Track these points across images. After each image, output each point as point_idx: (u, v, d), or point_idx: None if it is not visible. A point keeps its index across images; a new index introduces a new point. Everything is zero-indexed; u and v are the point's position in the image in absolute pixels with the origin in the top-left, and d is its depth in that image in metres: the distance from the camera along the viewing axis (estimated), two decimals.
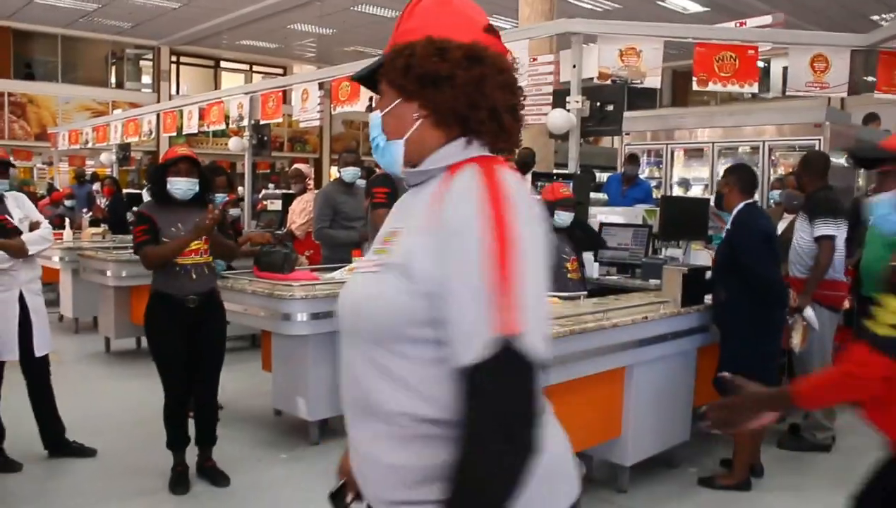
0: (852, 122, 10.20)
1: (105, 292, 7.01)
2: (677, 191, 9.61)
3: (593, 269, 5.17)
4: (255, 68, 22.27)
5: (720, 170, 8.19)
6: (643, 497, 4.14)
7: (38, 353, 4.47)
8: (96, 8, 16.68)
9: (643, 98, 21.32)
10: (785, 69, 7.44)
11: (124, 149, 11.46)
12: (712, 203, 5.29)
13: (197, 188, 4.13)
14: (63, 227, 8.47)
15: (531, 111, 6.65)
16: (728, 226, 4.31)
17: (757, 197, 8.13)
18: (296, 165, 7.53)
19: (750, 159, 9.63)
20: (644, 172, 9.77)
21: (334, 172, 6.27)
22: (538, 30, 5.34)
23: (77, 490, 4.22)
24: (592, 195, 8.39)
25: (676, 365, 4.34)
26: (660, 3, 15.44)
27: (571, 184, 5.24)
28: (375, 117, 1.44)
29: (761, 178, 9.19)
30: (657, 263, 4.99)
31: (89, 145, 12.62)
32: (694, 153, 9.80)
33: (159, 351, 4.20)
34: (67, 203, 11.19)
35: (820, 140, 8.63)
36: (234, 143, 8.45)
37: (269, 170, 18.25)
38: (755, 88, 5.55)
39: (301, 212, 7.25)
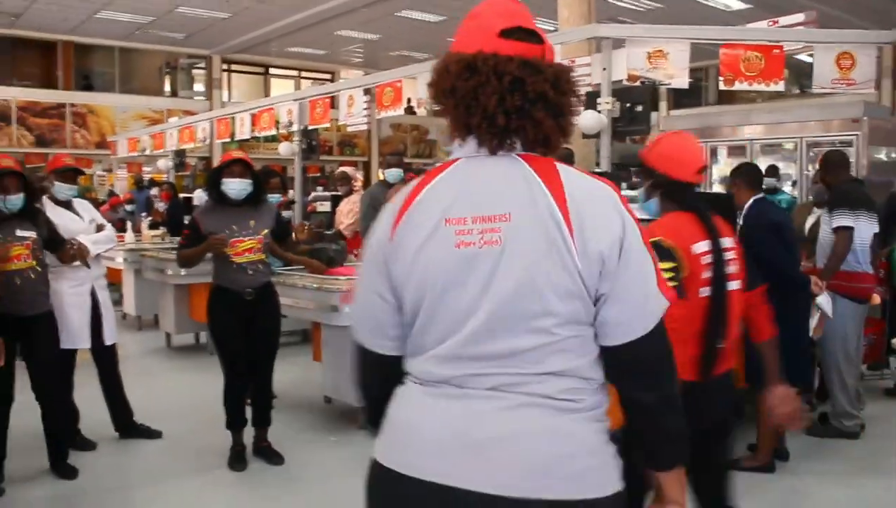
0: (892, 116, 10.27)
1: (165, 290, 7.44)
2: (718, 189, 9.75)
3: None
4: (303, 74, 22.81)
5: (762, 167, 8.34)
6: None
7: (108, 342, 4.87)
8: (151, 20, 17.34)
9: (689, 97, 21.40)
10: None
11: (180, 155, 11.98)
12: None
13: (250, 189, 4.49)
14: (124, 231, 8.96)
15: None
16: (740, 221, 4.51)
17: (789, 191, 8.27)
18: (342, 168, 7.90)
19: (790, 155, 9.77)
20: None
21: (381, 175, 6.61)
22: (568, 35, 5.60)
23: (145, 466, 4.61)
24: (629, 193, 8.61)
25: None
26: (702, 1, 15.50)
27: None
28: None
29: (800, 174, 9.33)
30: None
31: (146, 152, 13.19)
32: (735, 151, 9.95)
33: (219, 339, 4.57)
34: (128, 207, 11.77)
35: (858, 135, 8.74)
36: (284, 148, 8.85)
37: (318, 174, 18.72)
38: (781, 87, 5.73)
39: (348, 213, 7.60)
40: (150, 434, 5.02)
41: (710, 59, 13.46)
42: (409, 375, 1.51)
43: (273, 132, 9.32)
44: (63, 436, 4.51)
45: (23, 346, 4.22)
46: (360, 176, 8.92)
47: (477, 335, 1.40)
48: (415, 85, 7.27)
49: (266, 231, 4.52)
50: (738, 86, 5.76)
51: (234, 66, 22.02)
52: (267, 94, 20.37)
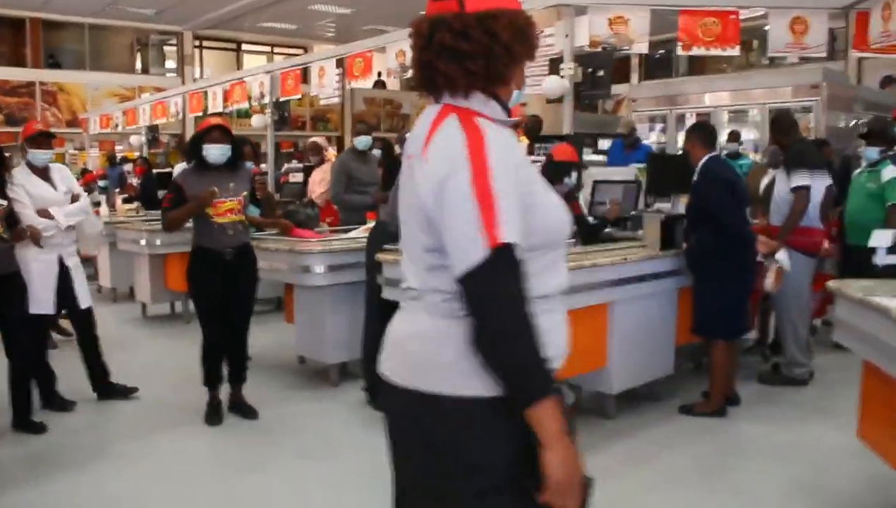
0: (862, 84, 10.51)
1: (140, 260, 7.55)
2: None
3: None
4: (276, 50, 22.73)
5: (724, 134, 8.55)
6: (628, 423, 4.60)
7: (83, 305, 4.99)
8: None
9: (660, 69, 21.49)
10: None
11: (153, 130, 12.01)
12: None
13: (229, 153, 4.63)
14: (98, 205, 9.02)
15: (536, 81, 7.08)
16: (695, 177, 4.71)
17: (753, 157, 8.46)
18: (313, 139, 8.00)
19: (755, 123, 9.99)
20: (650, 138, 10.15)
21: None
22: (532, 2, 5.73)
23: (124, 423, 4.77)
24: (593, 157, 8.86)
25: (657, 304, 4.77)
26: None
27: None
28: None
29: (763, 141, 9.55)
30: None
31: (119, 129, 13.19)
32: (702, 118, 10.14)
33: (200, 298, 4.72)
34: (101, 183, 11.80)
35: (818, 100, 8.95)
36: (256, 120, 8.95)
37: (292, 149, 18.74)
38: (736, 51, 5.91)
39: (320, 182, 7.72)
40: (127, 392, 5.17)
41: (664, 33, 13.68)
42: None
43: (245, 105, 9.41)
44: (25, 395, 4.62)
45: None
46: (332, 151, 8.95)
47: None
48: (385, 57, 7.39)
49: (245, 193, 4.67)
50: (696, 51, 5.95)
51: (205, 43, 21.90)
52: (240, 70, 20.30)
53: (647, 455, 4.16)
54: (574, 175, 5.09)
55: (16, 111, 18.45)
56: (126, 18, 19.41)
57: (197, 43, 21.48)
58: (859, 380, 3.41)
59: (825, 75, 8.95)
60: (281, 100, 8.84)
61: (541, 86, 6.24)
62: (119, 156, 14.34)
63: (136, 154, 12.92)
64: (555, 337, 1.64)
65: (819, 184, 5.27)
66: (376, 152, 6.78)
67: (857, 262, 5.48)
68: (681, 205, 5.75)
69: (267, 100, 8.83)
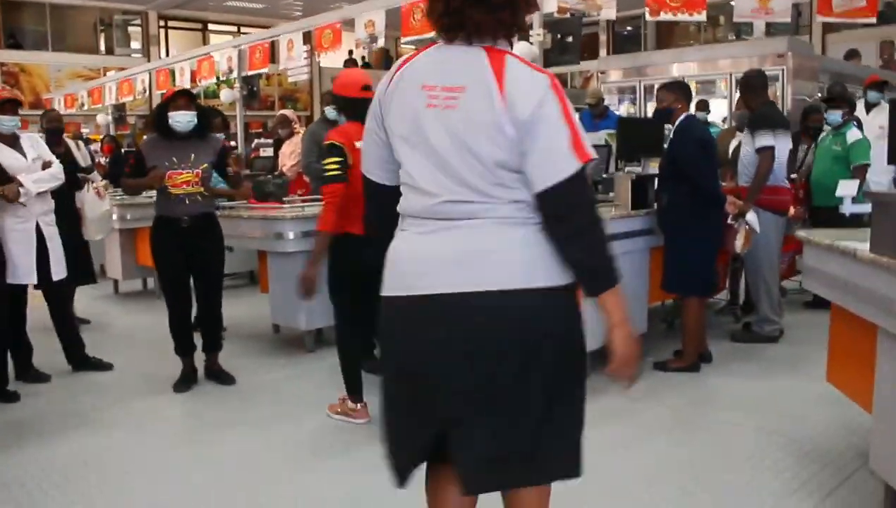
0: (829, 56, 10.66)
1: (111, 237, 7.46)
2: None
3: None
4: (242, 30, 22.48)
5: (692, 104, 8.63)
6: (602, 380, 4.63)
7: (56, 278, 4.90)
8: None
9: (630, 43, 21.63)
10: None
11: (120, 109, 11.86)
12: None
13: (196, 120, 4.58)
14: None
15: None
16: (670, 136, 4.76)
17: (721, 126, 8.57)
18: (281, 112, 7.94)
19: (722, 94, 10.11)
20: (620, 109, 10.23)
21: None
22: None
23: (99, 393, 4.73)
24: None
25: (629, 263, 4.80)
26: None
27: None
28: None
29: (730, 107, 9.67)
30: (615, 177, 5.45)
31: (85, 109, 13.00)
32: None
33: (159, 265, 4.72)
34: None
35: (783, 69, 9.08)
36: (225, 95, 8.87)
37: (261, 130, 18.59)
38: (703, 17, 5.96)
39: (291, 155, 7.68)
40: (102, 366, 5.14)
41: (633, 8, 13.77)
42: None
43: (213, 81, 9.32)
44: (1, 366, 4.62)
45: None
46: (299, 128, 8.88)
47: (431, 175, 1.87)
48: (353, 36, 7.34)
49: (206, 165, 4.61)
50: (664, 16, 5.99)
51: (171, 23, 21.61)
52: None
53: (621, 408, 4.22)
54: None
55: None
56: None
57: (162, 23, 21.20)
58: (826, 339, 3.50)
59: (791, 45, 9.07)
60: (249, 74, 8.77)
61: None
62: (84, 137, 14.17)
63: (103, 134, 12.75)
64: None
65: (783, 144, 5.35)
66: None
67: (824, 223, 5.61)
68: (650, 168, 5.82)
69: (235, 74, 8.75)
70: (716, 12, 17.53)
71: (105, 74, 18.35)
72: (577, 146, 1.80)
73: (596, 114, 8.77)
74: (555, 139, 1.80)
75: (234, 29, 22.53)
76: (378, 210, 2.04)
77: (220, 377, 4.79)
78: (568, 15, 5.96)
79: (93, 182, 5.83)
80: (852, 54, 11.35)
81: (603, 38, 21.29)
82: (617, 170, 6.00)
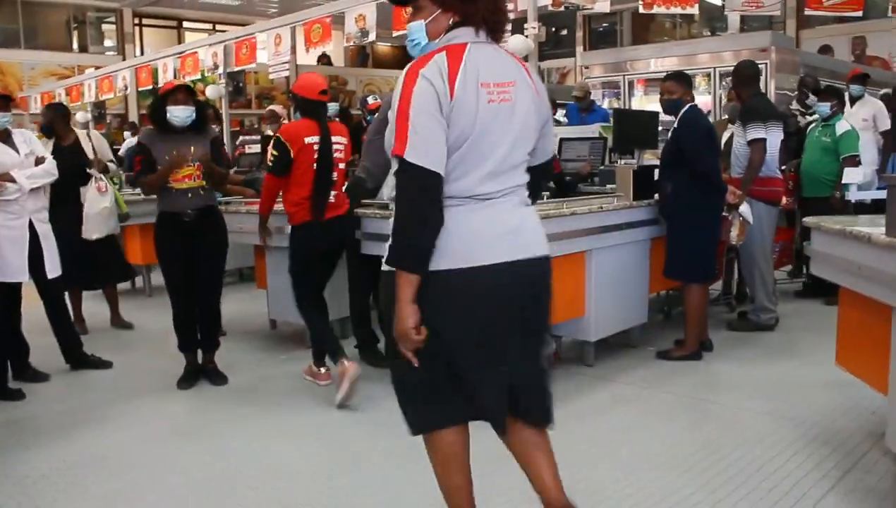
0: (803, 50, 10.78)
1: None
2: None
3: None
4: (218, 27, 22.27)
5: None
6: (607, 369, 4.70)
7: (51, 276, 4.82)
8: None
9: (604, 39, 21.72)
10: None
11: (99, 107, 11.71)
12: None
13: (194, 115, 4.54)
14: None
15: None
16: (675, 125, 4.79)
17: (711, 117, 8.64)
18: (270, 107, 7.91)
19: (706, 89, 10.19)
20: (603, 104, 10.27)
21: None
22: None
23: (98, 392, 4.69)
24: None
25: (631, 253, 4.87)
26: None
27: None
28: (418, 24, 2.19)
29: (714, 102, 9.76)
30: (612, 169, 5.49)
31: None
32: (652, 83, 10.28)
33: (164, 261, 4.65)
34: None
35: (767, 63, 9.15)
36: (211, 91, 8.74)
37: (237, 128, 18.45)
38: (696, 10, 6.00)
39: None
40: (101, 364, 5.08)
41: (624, 2, 13.85)
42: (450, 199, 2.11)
43: (198, 77, 9.22)
44: (2, 364, 4.55)
45: None
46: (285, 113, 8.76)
47: (500, 162, 2.13)
48: (343, 24, 7.31)
49: (205, 153, 4.57)
50: (657, 9, 6.05)
51: (145, 21, 21.35)
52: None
53: (629, 396, 4.26)
54: None
55: None
56: None
57: (137, 20, 20.93)
58: (821, 326, 3.56)
59: (773, 39, 9.15)
60: (235, 70, 8.70)
61: (505, 44, 6.30)
62: None
63: (83, 131, 12.56)
64: None
65: (774, 135, 5.40)
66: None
67: (814, 212, 5.67)
68: (645, 159, 5.87)
69: (221, 70, 8.68)
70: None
71: (79, 72, 18.10)
72: None
73: (583, 108, 8.84)
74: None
75: (210, 26, 22.31)
76: (438, 201, 2.08)
77: (214, 377, 4.74)
78: (562, 8, 5.97)
79: (96, 177, 5.67)
80: (825, 49, 11.53)
81: (579, 34, 21.37)
82: (611, 163, 6.05)
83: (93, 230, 5.63)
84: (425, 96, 2.04)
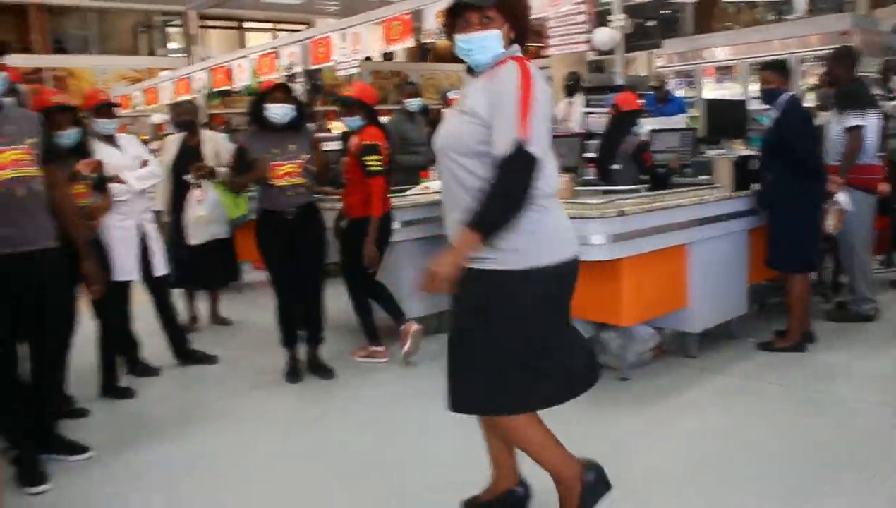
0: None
1: None
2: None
3: None
4: (278, 27, 22.59)
5: (751, 86, 8.58)
6: (711, 361, 4.67)
7: (158, 274, 4.98)
8: None
9: (668, 28, 21.63)
10: None
11: (174, 108, 11.97)
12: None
13: (292, 113, 4.64)
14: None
15: (567, 40, 7.09)
16: (777, 114, 4.72)
17: None
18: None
19: None
20: (677, 93, 10.17)
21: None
22: None
23: (207, 386, 4.84)
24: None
25: (731, 244, 4.83)
26: None
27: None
28: (496, 34, 2.41)
29: (795, 90, 9.60)
30: (706, 160, 5.45)
31: (140, 108, 13.16)
32: (724, 71, 10.16)
33: (266, 258, 4.76)
34: None
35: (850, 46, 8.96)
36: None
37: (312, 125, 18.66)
38: None
39: None
40: (208, 359, 5.22)
41: None
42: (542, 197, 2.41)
43: (273, 76, 9.38)
44: (112, 361, 4.70)
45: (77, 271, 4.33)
46: None
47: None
48: (421, 18, 7.36)
49: (306, 155, 4.67)
50: None
51: (208, 22, 21.75)
52: (243, 48, 20.17)
53: (737, 387, 4.24)
54: (639, 124, 5.14)
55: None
56: (129, 0, 19.30)
57: (201, 22, 21.33)
58: None
59: (854, 21, 8.96)
60: (312, 68, 8.84)
61: (581, 46, 6.31)
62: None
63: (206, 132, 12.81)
64: None
65: (872, 122, 5.30)
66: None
67: None
68: (734, 150, 5.81)
69: (299, 69, 8.82)
70: None
71: (150, 75, 18.53)
72: None
73: (659, 98, 8.77)
74: None
75: (270, 26, 22.63)
76: (532, 189, 2.35)
77: (321, 371, 4.83)
78: None
79: (193, 184, 5.66)
80: None
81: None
82: (699, 154, 6.01)
83: (192, 236, 5.70)
84: (545, 95, 2.38)
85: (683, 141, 5.81)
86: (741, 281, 4.96)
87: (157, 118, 12.81)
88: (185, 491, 3.33)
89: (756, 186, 4.91)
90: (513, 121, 2.27)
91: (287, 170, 4.59)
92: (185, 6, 20.03)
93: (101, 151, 4.74)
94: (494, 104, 2.33)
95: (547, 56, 7.80)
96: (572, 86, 8.14)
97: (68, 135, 4.23)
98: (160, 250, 5.04)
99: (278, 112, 4.57)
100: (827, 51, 9.05)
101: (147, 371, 4.99)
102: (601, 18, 5.89)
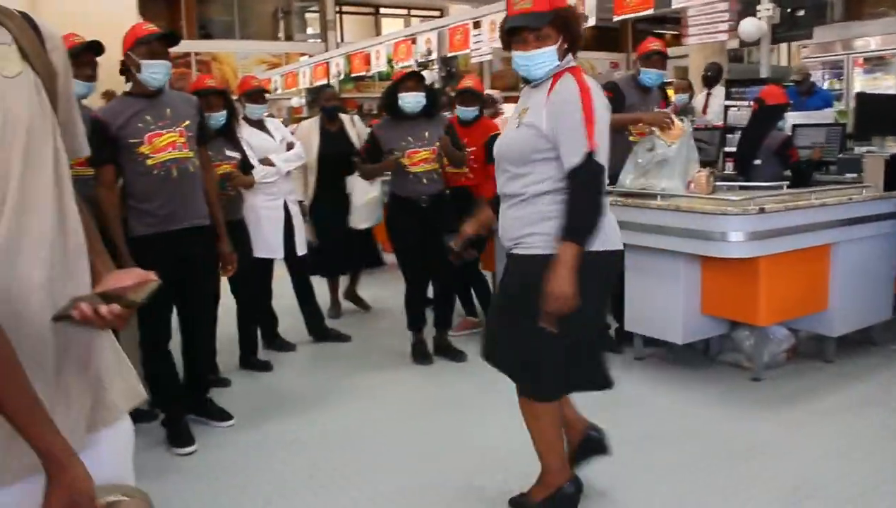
0: None
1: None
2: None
3: None
4: (412, 13, 22.90)
5: None
6: (850, 367, 4.49)
7: (300, 253, 5.21)
8: None
9: (815, 16, 20.54)
10: None
11: (313, 92, 12.37)
12: None
13: (424, 101, 4.73)
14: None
15: (708, 29, 6.89)
16: None
17: None
18: (488, 91, 8.05)
19: None
20: (823, 85, 9.73)
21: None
22: None
23: (338, 363, 5.01)
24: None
25: (879, 247, 4.61)
26: None
27: None
28: (552, 50, 2.59)
29: None
30: (853, 158, 5.21)
31: (278, 92, 13.67)
32: (877, 62, 9.64)
33: (398, 244, 4.89)
34: None
35: None
36: (426, 76, 9.05)
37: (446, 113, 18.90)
38: None
39: None
40: (341, 337, 5.43)
41: None
42: None
43: (410, 62, 9.55)
44: (252, 335, 4.96)
45: None
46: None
47: None
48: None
49: (443, 137, 4.76)
50: None
51: (344, 8, 22.30)
52: (378, 34, 20.58)
53: (879, 396, 4.06)
54: (785, 119, 4.98)
55: (174, 81, 19.33)
56: None
57: (337, 8, 21.90)
58: None
59: None
60: (448, 56, 8.95)
61: (721, 36, 6.14)
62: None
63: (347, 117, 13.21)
64: None
65: None
66: None
67: None
68: (888, 148, 5.52)
69: (434, 56, 8.96)
70: None
71: (287, 60, 19.20)
72: None
73: (802, 91, 8.40)
74: None
75: (405, 12, 22.98)
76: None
77: (451, 353, 4.94)
78: None
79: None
80: None
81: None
82: (847, 150, 5.75)
83: (360, 220, 5.72)
84: (603, 105, 2.59)
85: (830, 137, 5.57)
86: (888, 285, 4.73)
87: (296, 102, 13.29)
88: (319, 464, 3.49)
89: None
90: (580, 134, 2.48)
91: (423, 157, 4.70)
92: None
93: (251, 134, 5.00)
94: (558, 118, 2.53)
95: (684, 45, 7.63)
96: (712, 78, 7.93)
97: (217, 118, 4.45)
98: (302, 230, 5.26)
99: (411, 101, 4.68)
100: None
101: (284, 346, 5.24)
102: (746, 8, 5.69)
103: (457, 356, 4.92)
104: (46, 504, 1.21)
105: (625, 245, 3.37)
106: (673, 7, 6.30)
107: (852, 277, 4.46)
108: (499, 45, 8.73)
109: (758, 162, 4.94)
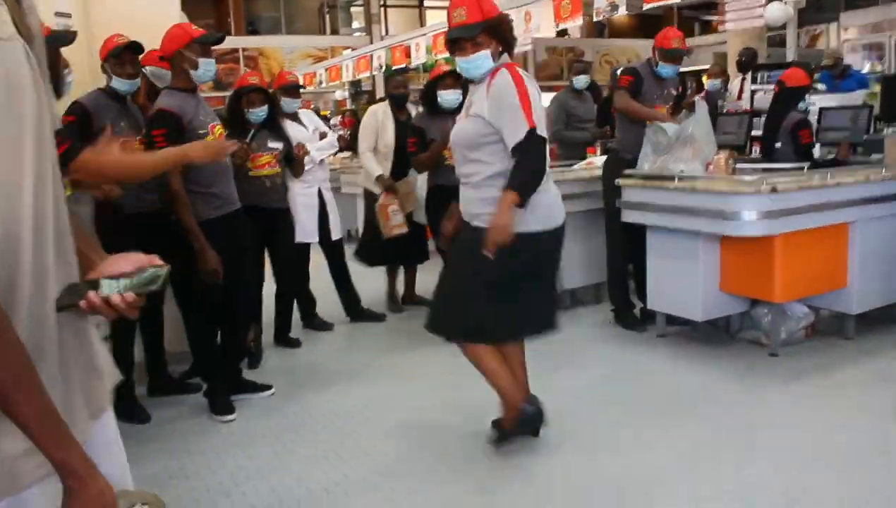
0: None
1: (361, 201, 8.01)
2: None
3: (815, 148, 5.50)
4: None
5: None
6: (869, 344, 4.56)
7: (335, 237, 5.46)
8: None
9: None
10: None
11: (356, 85, 12.64)
12: None
13: (461, 98, 4.91)
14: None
15: (744, 15, 6.95)
16: None
17: None
18: None
19: None
20: (864, 67, 9.64)
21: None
22: None
23: (374, 342, 5.26)
24: None
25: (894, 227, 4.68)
26: None
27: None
28: (486, 53, 3.01)
29: None
30: (879, 139, 5.26)
31: (323, 85, 13.95)
32: None
33: (436, 231, 5.08)
34: None
35: None
36: None
37: None
38: None
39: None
40: (376, 317, 5.67)
41: None
42: None
43: (447, 55, 9.71)
44: (287, 313, 5.22)
45: (266, 234, 4.77)
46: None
47: None
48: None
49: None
50: None
51: (389, 1, 22.54)
52: (423, 27, 20.77)
53: (894, 372, 4.14)
54: (808, 100, 5.05)
55: (223, 77, 19.82)
56: None
57: (382, 2, 22.15)
58: None
59: None
60: None
61: (758, 21, 6.21)
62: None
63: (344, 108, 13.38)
64: None
65: None
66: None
67: None
68: None
69: None
70: None
71: (332, 54, 19.52)
72: None
73: (835, 75, 8.39)
74: None
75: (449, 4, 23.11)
76: None
77: None
78: None
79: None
80: None
81: None
82: (876, 132, 5.79)
83: (422, 215, 5.59)
84: (535, 91, 3.03)
85: (856, 118, 5.62)
86: None
87: (339, 95, 13.55)
88: (364, 434, 3.71)
89: None
90: (519, 116, 2.93)
91: None
92: None
93: (287, 126, 5.24)
94: (499, 106, 2.97)
95: (722, 31, 7.68)
96: (745, 63, 7.96)
97: (258, 113, 4.69)
98: (337, 215, 5.51)
99: (449, 97, 4.93)
100: None
101: (322, 325, 5.50)
102: None
103: None
104: None
105: (646, 226, 3.88)
106: None
107: (872, 255, 4.54)
108: (540, 35, 8.91)
109: (778, 144, 5.03)
